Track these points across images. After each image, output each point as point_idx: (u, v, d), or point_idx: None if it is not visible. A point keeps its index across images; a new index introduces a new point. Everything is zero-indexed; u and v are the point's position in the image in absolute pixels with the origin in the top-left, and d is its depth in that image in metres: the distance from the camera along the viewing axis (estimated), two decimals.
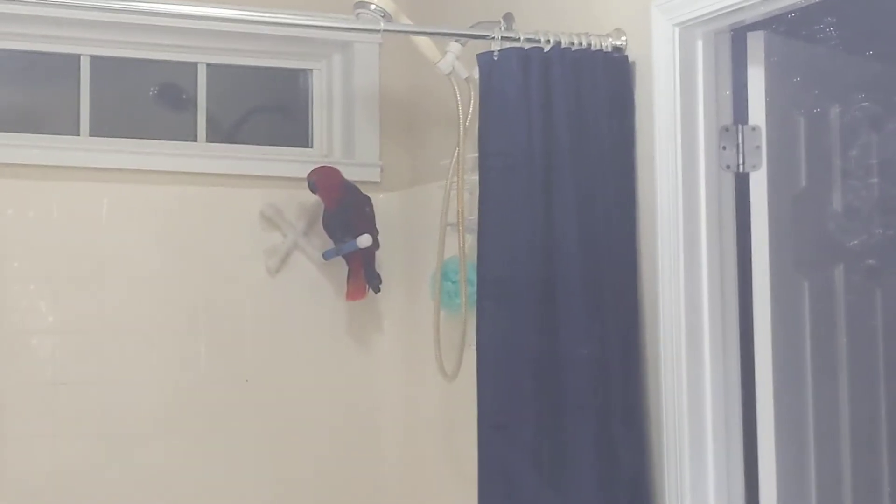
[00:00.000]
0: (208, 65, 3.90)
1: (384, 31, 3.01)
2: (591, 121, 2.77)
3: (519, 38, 2.78)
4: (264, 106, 4.15)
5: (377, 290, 3.79)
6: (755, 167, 2.74)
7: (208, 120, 3.92)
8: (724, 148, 2.75)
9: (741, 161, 2.75)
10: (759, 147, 2.73)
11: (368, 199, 3.79)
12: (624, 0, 2.88)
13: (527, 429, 2.69)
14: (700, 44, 2.74)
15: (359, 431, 3.89)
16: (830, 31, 3.10)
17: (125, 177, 3.66)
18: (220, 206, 3.75)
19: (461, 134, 3.19)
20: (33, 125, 3.73)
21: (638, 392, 2.78)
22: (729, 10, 2.60)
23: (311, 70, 4.05)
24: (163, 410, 3.66)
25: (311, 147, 4.04)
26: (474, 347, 2.75)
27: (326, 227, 3.76)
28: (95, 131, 3.75)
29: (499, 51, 2.75)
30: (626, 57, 2.84)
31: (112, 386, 3.61)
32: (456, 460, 3.60)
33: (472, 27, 3.14)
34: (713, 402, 2.72)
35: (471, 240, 3.09)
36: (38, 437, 3.54)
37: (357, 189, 3.77)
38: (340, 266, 3.78)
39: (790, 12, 2.64)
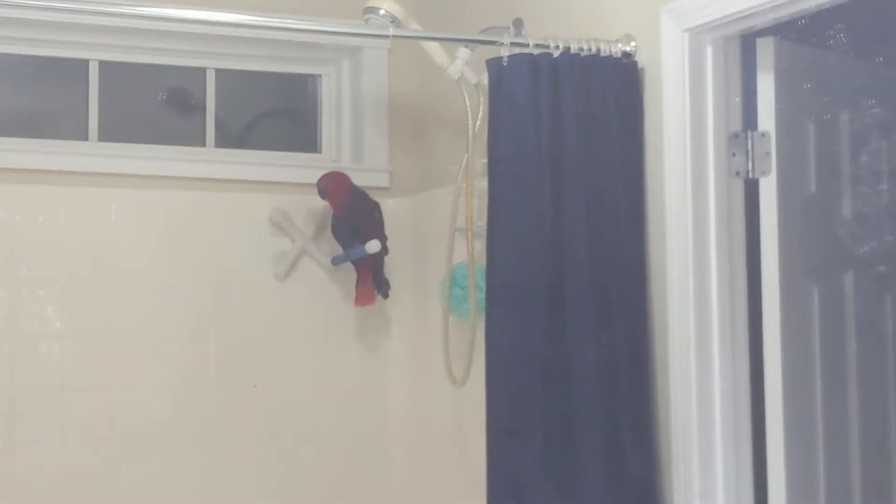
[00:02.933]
0: (217, 70, 3.89)
1: (393, 36, 3.01)
2: (601, 126, 2.76)
3: (528, 44, 2.77)
4: (273, 111, 4.15)
5: (386, 295, 3.79)
6: (765, 173, 2.73)
7: (217, 125, 3.91)
8: (734, 154, 2.74)
9: (751, 167, 2.75)
10: (768, 153, 2.72)
11: (377, 204, 3.78)
12: (633, 6, 2.88)
13: (536, 435, 2.68)
14: (710, 49, 2.73)
15: (367, 437, 3.88)
16: (840, 37, 3.10)
17: (134, 182, 3.66)
18: (229, 211, 3.75)
19: (470, 139, 3.19)
20: (42, 130, 3.73)
21: (647, 398, 2.77)
22: (738, 16, 2.59)
23: (319, 75, 4.04)
24: (171, 416, 3.66)
25: (320, 152, 4.04)
26: (483, 353, 2.74)
27: (335, 232, 3.75)
28: (104, 136, 3.74)
29: (508, 56, 2.74)
30: (636, 63, 2.83)
31: (120, 391, 3.61)
32: (465, 466, 3.59)
33: (481, 33, 3.13)
34: (722, 409, 2.71)
35: (480, 245, 3.08)
36: (46, 441, 3.53)
37: (366, 194, 3.77)
38: (349, 272, 3.78)
39: (800, 18, 2.64)
